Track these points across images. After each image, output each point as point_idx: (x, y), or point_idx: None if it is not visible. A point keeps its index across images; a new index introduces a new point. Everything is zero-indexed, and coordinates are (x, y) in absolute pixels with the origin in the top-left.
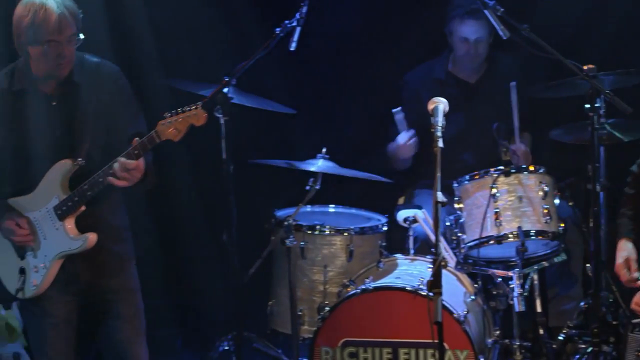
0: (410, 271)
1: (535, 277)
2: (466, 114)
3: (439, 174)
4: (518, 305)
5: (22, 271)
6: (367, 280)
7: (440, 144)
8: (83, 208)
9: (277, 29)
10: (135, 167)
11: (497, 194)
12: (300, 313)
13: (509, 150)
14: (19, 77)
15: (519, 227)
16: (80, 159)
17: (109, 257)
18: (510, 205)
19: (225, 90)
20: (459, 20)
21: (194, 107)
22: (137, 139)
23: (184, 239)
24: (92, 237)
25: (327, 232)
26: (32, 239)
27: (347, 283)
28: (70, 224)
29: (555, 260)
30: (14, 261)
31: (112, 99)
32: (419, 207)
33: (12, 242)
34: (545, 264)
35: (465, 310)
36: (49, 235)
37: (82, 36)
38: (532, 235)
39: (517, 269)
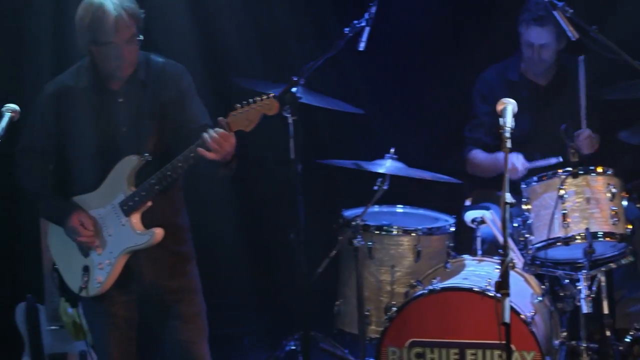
0: (478, 272)
1: (603, 278)
2: (535, 115)
3: (507, 175)
4: (585, 307)
5: (86, 269)
6: (435, 281)
7: (509, 144)
8: (150, 203)
9: (346, 29)
10: (227, 138)
11: (565, 195)
12: (367, 313)
13: (577, 152)
14: (85, 74)
15: (587, 229)
16: (146, 155)
17: (171, 257)
18: (578, 206)
19: (294, 89)
20: (525, 25)
21: (265, 97)
22: (221, 118)
23: (251, 238)
24: (158, 232)
25: (395, 232)
26: (95, 241)
27: (415, 283)
28: (136, 219)
29: (623, 262)
30: (77, 259)
31: (178, 95)
32: (487, 208)
33: (75, 241)
34: (612, 265)
35: (533, 311)
36: (114, 232)
37: (141, 37)
38: (599, 237)
39: (585, 271)
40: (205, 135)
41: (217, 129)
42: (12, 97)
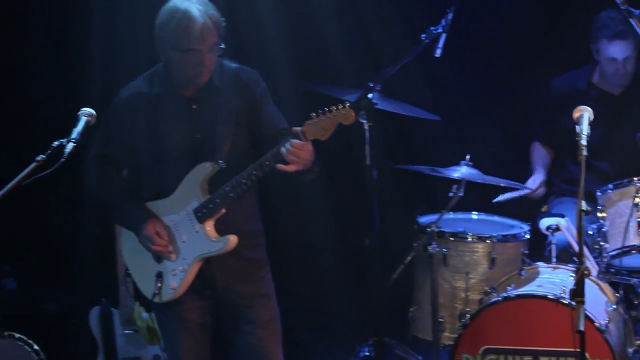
0: (552, 279)
1: None
2: (607, 124)
3: (583, 183)
4: None
5: (159, 275)
6: (509, 288)
7: (585, 152)
8: (224, 210)
9: (423, 35)
10: (304, 148)
11: None
12: (441, 320)
13: None
14: (159, 81)
15: None
16: (220, 162)
17: (245, 263)
18: None
19: (370, 95)
20: (606, 41)
21: (341, 107)
22: (298, 128)
23: (326, 243)
24: (232, 239)
25: (470, 239)
26: (169, 250)
27: (489, 290)
28: (210, 226)
29: None
30: (151, 265)
31: (253, 101)
32: (562, 216)
33: (149, 249)
34: None
35: (607, 319)
36: (188, 238)
37: (223, 45)
38: None
39: None
40: (282, 149)
41: (292, 141)
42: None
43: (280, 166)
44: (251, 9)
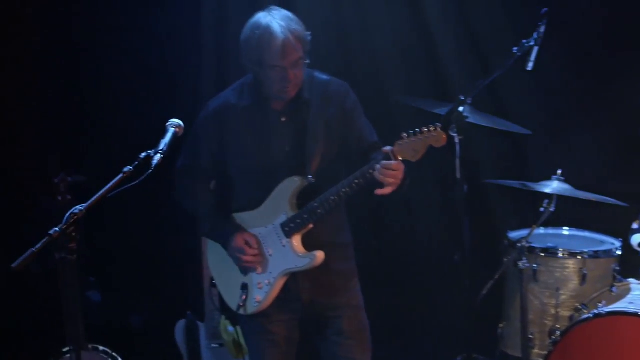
0: None
1: None
2: None
3: None
4: None
5: (245, 287)
6: (600, 305)
7: None
8: (311, 226)
9: (515, 48)
10: (398, 167)
11: None
12: (531, 336)
13: None
14: (248, 92)
15: None
16: (309, 176)
17: (333, 276)
18: None
19: (461, 108)
20: None
21: (433, 128)
22: (388, 147)
23: (415, 258)
24: (319, 255)
25: (561, 255)
26: (260, 261)
27: (580, 307)
28: (297, 241)
29: None
30: (236, 277)
31: (343, 114)
32: None
33: (239, 261)
34: None
35: None
36: (274, 252)
37: (308, 61)
38: None
39: None
40: (376, 173)
41: (383, 162)
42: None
43: (378, 191)
44: (338, 20)
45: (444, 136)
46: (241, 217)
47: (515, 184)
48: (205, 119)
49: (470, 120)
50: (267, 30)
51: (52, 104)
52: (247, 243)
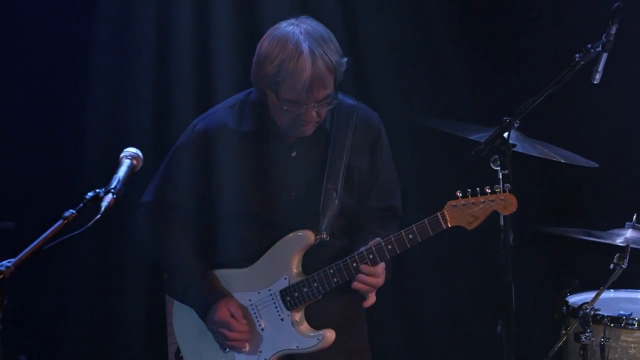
0: None
1: None
2: None
3: None
4: None
5: None
6: None
7: None
8: (320, 296)
9: (577, 55)
10: (375, 273)
11: None
12: None
13: None
14: (250, 115)
15: None
16: (324, 232)
17: (342, 356)
18: None
19: (506, 134)
20: None
21: (498, 190)
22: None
23: (446, 327)
24: (329, 336)
25: (637, 325)
26: (246, 342)
27: None
28: (300, 315)
29: None
30: (212, 353)
31: (370, 156)
32: None
33: (222, 338)
34: None
35: None
36: (269, 326)
37: (337, 100)
38: None
39: None
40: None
41: (363, 269)
42: None
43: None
44: (352, 33)
45: (515, 201)
46: (227, 275)
47: (576, 232)
48: (190, 142)
49: (518, 149)
50: (294, 54)
51: None
52: (232, 316)
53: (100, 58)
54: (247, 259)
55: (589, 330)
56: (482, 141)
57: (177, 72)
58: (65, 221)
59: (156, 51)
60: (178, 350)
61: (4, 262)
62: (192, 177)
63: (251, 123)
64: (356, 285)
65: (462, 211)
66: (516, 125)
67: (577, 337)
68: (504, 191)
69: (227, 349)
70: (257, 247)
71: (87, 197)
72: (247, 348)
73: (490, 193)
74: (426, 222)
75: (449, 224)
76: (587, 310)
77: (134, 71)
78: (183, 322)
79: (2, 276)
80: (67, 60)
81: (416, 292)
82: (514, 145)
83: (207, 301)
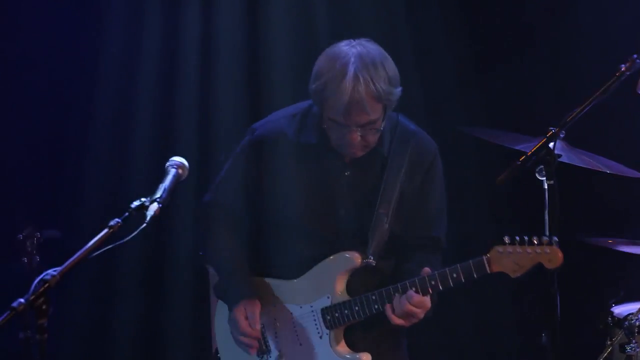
0: None
1: None
2: None
3: None
4: None
5: None
6: None
7: None
8: (360, 320)
9: (622, 65)
10: (422, 306)
11: None
12: None
13: None
14: (313, 127)
15: None
16: (371, 257)
17: None
18: None
19: (551, 145)
20: None
21: (546, 242)
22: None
23: (490, 337)
24: (365, 359)
25: None
26: (256, 347)
27: None
28: (339, 336)
29: None
30: (249, 358)
31: (421, 185)
32: None
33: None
34: None
35: None
36: (306, 344)
37: (382, 127)
38: None
39: None
40: (404, 298)
41: (410, 296)
42: None
43: (388, 311)
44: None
45: (560, 256)
46: (273, 285)
47: (621, 242)
48: (247, 147)
49: (564, 159)
50: (339, 75)
51: (14, 139)
52: (246, 317)
53: (147, 68)
54: (292, 270)
55: (634, 341)
56: (527, 151)
57: (223, 81)
58: (111, 230)
59: (201, 59)
60: (216, 351)
61: (49, 271)
62: (246, 181)
63: (312, 136)
64: (389, 311)
65: (508, 258)
66: (561, 135)
67: (622, 348)
68: (551, 244)
69: (264, 356)
70: (302, 259)
71: (132, 206)
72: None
73: (537, 244)
74: (471, 263)
75: (493, 269)
76: (633, 321)
77: (177, 82)
78: (223, 323)
79: (47, 285)
80: (115, 69)
81: (459, 302)
82: (560, 156)
83: (235, 298)
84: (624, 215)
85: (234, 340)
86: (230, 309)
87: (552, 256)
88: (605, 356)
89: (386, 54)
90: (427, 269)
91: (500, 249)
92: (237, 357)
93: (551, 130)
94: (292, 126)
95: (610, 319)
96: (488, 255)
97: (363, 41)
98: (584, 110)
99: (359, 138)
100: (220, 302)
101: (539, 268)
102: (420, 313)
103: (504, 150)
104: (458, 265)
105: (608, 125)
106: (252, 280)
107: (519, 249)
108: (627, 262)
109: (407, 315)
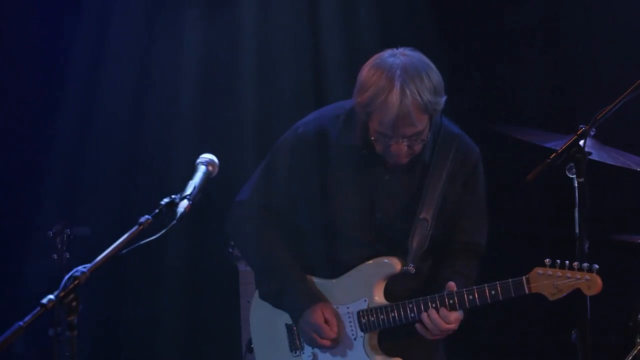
0: None
1: None
2: None
3: None
4: None
5: None
6: None
7: None
8: (394, 326)
9: None
10: (454, 322)
11: None
12: None
13: None
14: (357, 129)
15: None
16: (410, 265)
17: None
18: None
19: (581, 142)
20: None
21: (587, 268)
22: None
23: (519, 334)
24: None
25: None
26: (335, 346)
27: None
28: (374, 339)
29: None
30: (282, 351)
31: (464, 191)
32: None
33: (312, 341)
34: None
35: None
36: (341, 343)
37: (427, 139)
38: None
39: None
40: (425, 316)
41: (443, 312)
42: None
43: (418, 326)
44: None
45: (599, 283)
46: (319, 284)
47: None
48: (289, 145)
49: (594, 157)
50: (386, 88)
51: (45, 137)
52: (326, 321)
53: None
54: (329, 270)
55: None
56: (557, 149)
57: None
58: (141, 227)
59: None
60: (250, 342)
61: (79, 268)
62: (287, 180)
63: (355, 138)
64: (420, 328)
65: (548, 280)
66: (592, 133)
67: None
68: (591, 271)
69: (297, 352)
70: (340, 261)
71: (162, 203)
72: (316, 356)
73: (577, 269)
74: (510, 283)
75: (532, 289)
76: None
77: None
78: (260, 318)
79: (77, 281)
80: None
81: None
82: (590, 153)
83: (304, 303)
84: None
85: (286, 333)
86: (301, 313)
87: (592, 283)
88: (635, 354)
89: (429, 63)
90: (452, 284)
91: (540, 270)
92: (271, 349)
93: (581, 127)
94: (336, 127)
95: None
96: (528, 275)
97: (406, 50)
98: (615, 108)
99: (405, 148)
100: (256, 300)
101: (576, 293)
102: (454, 328)
103: (534, 148)
104: (497, 283)
105: (639, 123)
106: (306, 278)
107: (559, 272)
108: None
109: (443, 331)
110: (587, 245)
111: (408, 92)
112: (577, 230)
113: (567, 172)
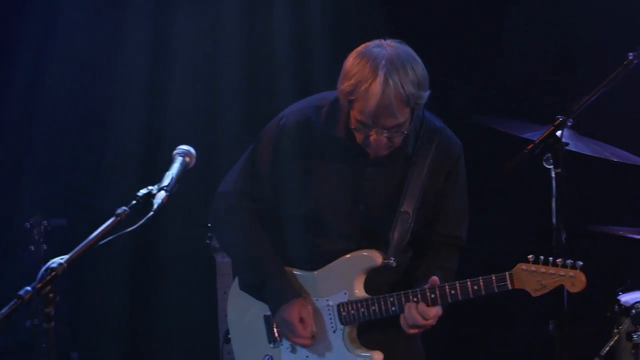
0: None
1: None
2: None
3: None
4: None
5: None
6: None
7: None
8: (374, 319)
9: (630, 54)
10: (426, 315)
11: None
12: None
13: None
14: (341, 120)
15: None
16: (391, 258)
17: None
18: None
19: (559, 133)
20: None
21: (571, 265)
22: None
23: (497, 327)
24: (377, 358)
25: None
26: (310, 344)
27: None
28: (353, 332)
29: None
30: (259, 343)
31: (445, 185)
32: None
33: (287, 336)
34: None
35: None
36: (321, 336)
37: (407, 132)
38: None
39: None
40: (414, 310)
41: (421, 308)
42: None
43: (402, 318)
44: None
45: (584, 280)
46: (299, 276)
47: (628, 231)
48: (273, 136)
49: (571, 147)
50: (369, 77)
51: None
52: (301, 320)
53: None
54: (310, 262)
55: None
56: (535, 140)
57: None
58: (118, 218)
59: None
60: (227, 333)
61: (56, 259)
62: (270, 171)
63: (340, 130)
64: (402, 320)
65: (531, 277)
66: (569, 123)
67: (628, 336)
68: (575, 267)
69: (275, 344)
70: (321, 252)
71: (139, 194)
72: (294, 349)
73: (561, 266)
74: (493, 278)
75: (515, 285)
76: (639, 309)
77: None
78: (237, 309)
79: (54, 273)
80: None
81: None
82: (567, 144)
83: (282, 298)
84: (632, 204)
85: (264, 324)
86: (278, 308)
87: (576, 280)
88: (612, 344)
89: (415, 56)
90: (435, 278)
91: (524, 266)
92: (249, 341)
93: (559, 118)
94: (320, 118)
95: (617, 307)
96: (512, 272)
97: (393, 42)
98: (592, 99)
99: (385, 140)
100: (234, 291)
101: (559, 290)
102: (432, 323)
103: (511, 139)
104: (480, 278)
105: (616, 114)
106: (287, 271)
107: (542, 268)
108: (633, 251)
109: (420, 327)
110: (564, 236)
111: (391, 82)
112: (554, 221)
113: (544, 163)
